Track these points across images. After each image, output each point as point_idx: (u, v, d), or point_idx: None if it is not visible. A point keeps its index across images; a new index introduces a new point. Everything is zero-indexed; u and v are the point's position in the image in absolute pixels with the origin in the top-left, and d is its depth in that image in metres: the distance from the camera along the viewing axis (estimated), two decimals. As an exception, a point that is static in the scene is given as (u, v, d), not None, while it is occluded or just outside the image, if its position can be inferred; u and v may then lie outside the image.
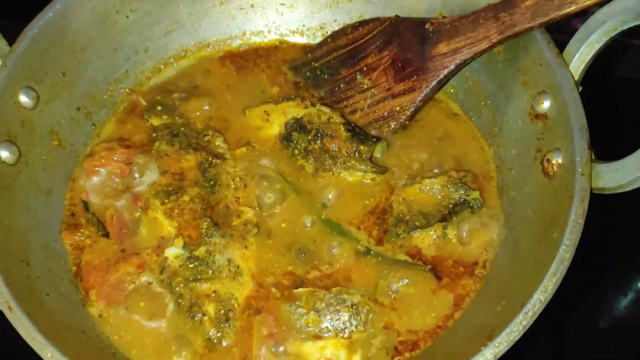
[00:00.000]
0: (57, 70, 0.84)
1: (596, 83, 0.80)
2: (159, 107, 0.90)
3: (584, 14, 0.74)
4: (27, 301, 0.65)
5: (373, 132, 0.88)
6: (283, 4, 0.99)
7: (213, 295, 0.73)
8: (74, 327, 0.70)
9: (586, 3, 0.72)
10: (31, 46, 0.80)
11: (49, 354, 0.61)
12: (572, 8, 0.72)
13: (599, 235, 0.99)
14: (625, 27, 0.72)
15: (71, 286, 0.75)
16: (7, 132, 0.76)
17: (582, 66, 0.76)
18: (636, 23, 0.71)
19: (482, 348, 0.60)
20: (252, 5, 0.98)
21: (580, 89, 0.75)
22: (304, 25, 1.00)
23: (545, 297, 0.62)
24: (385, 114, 0.87)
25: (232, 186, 0.82)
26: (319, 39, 0.99)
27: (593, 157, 0.71)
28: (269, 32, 1.00)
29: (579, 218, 0.66)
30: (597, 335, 1.00)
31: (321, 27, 0.99)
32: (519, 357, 0.94)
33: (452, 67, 0.81)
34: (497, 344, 0.60)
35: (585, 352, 0.98)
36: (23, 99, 0.79)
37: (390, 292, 0.75)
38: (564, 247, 0.64)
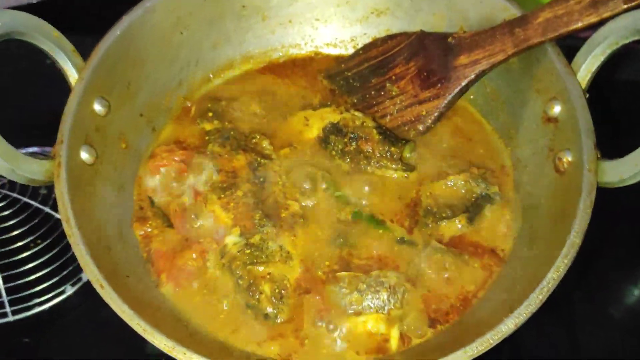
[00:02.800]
0: (123, 82, 0.94)
1: (602, 87, 0.89)
2: (210, 114, 1.01)
3: (590, 28, 0.84)
4: (113, 280, 0.76)
5: (402, 135, 0.98)
6: (318, 20, 1.09)
7: (268, 276, 0.83)
8: (152, 304, 0.81)
9: (590, 21, 0.82)
10: (102, 61, 0.89)
11: (137, 323, 0.71)
12: (579, 25, 0.83)
13: (608, 227, 1.08)
14: (625, 42, 0.82)
15: (145, 270, 0.86)
16: (85, 136, 0.86)
17: (589, 76, 0.86)
18: (634, 38, 0.81)
19: (504, 318, 0.71)
20: (290, 21, 1.09)
21: (587, 95, 0.85)
22: (336, 38, 1.10)
23: (558, 275, 0.72)
24: (413, 118, 0.97)
25: (280, 183, 0.93)
26: (350, 50, 1.10)
27: (599, 156, 0.81)
28: (305, 44, 1.11)
29: (587, 209, 0.76)
30: (609, 324, 1.07)
31: (352, 40, 1.10)
32: (533, 347, 1.04)
33: (473, 76, 0.92)
34: (517, 315, 0.70)
35: (596, 341, 1.05)
36: (97, 107, 0.89)
37: (422, 274, 0.85)
38: (574, 233, 0.74)
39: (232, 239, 0.86)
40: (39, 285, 1.03)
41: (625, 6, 0.80)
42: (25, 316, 1.02)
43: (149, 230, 0.89)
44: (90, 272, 0.74)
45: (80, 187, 0.83)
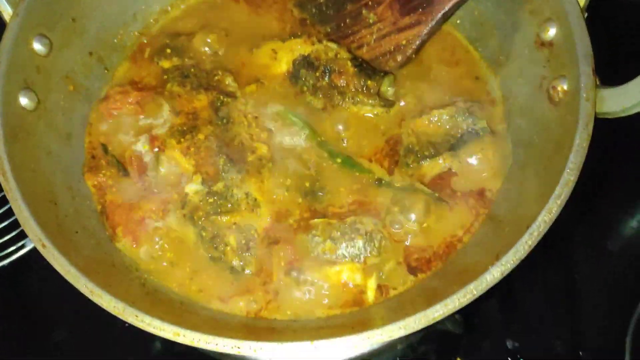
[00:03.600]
0: (67, 17, 0.85)
1: (601, 6, 0.80)
2: (168, 50, 0.91)
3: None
4: (58, 239, 0.69)
5: (380, 67, 0.89)
6: (288, -62, 0.98)
7: (233, 227, 0.77)
8: (104, 261, 0.74)
9: None
10: (40, -7, 0.80)
11: (84, 285, 0.65)
12: None
13: (604, 158, 1.02)
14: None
15: (98, 224, 0.79)
16: (24, 79, 0.78)
17: (588, -7, 0.76)
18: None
19: (489, 267, 0.64)
20: (256, -59, 0.98)
21: (586, 15, 0.76)
22: (308, -43, 0.99)
23: (550, 217, 0.65)
24: (392, 47, 0.88)
25: (245, 123, 0.84)
26: (323, -29, 0.99)
27: (598, 83, 0.72)
28: (274, -33, 1.00)
29: (584, 142, 0.68)
30: (606, 257, 1.03)
31: (326, -39, 0.99)
32: (529, 280, 1.00)
33: (458, -1, 0.82)
34: (504, 262, 0.63)
35: (593, 274, 1.01)
36: (37, 46, 0.80)
37: (402, 218, 0.78)
38: (568, 170, 0.67)
39: (193, 187, 0.79)
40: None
41: None
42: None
43: (103, 180, 0.82)
44: (30, 230, 0.67)
45: (19, 136, 0.75)
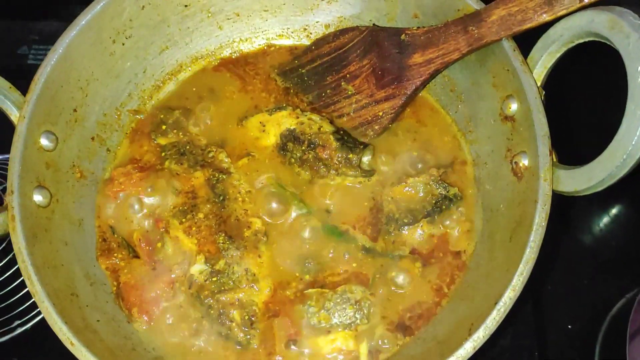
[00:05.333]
0: (68, 108, 0.91)
1: (561, 85, 0.87)
2: (164, 127, 0.98)
3: (544, 27, 0.81)
4: (83, 332, 0.77)
5: (359, 135, 0.96)
6: (266, 10, 1.04)
7: (237, 303, 0.85)
8: (125, 346, 0.83)
9: (545, 19, 0.79)
10: (43, 92, 0.86)
11: (111, 377, 0.74)
12: (533, 23, 0.79)
13: None
14: (580, 41, 0.79)
15: (115, 306, 0.87)
16: (36, 178, 0.84)
17: (545, 72, 0.84)
18: (589, 39, 0.78)
19: (463, 342, 0.73)
20: (237, 15, 1.03)
21: (544, 93, 0.83)
22: (288, 28, 1.06)
23: (514, 294, 0.74)
24: (370, 118, 0.95)
25: (240, 199, 0.92)
26: (304, 40, 1.05)
27: (555, 160, 0.80)
28: (256, 37, 1.06)
29: (542, 221, 0.76)
30: (576, 265, 1.11)
31: (305, 29, 1.05)
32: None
33: (427, 76, 0.89)
34: (475, 339, 0.73)
35: (562, 283, 1.09)
36: (44, 142, 0.87)
37: (386, 284, 0.87)
38: (529, 248, 0.75)
39: (197, 268, 0.87)
40: (18, 307, 1.04)
41: (581, 4, 0.76)
42: (9, 338, 1.04)
43: (116, 262, 0.90)
44: (59, 330, 0.75)
45: (37, 235, 0.82)
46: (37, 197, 0.85)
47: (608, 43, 0.74)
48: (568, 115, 1.01)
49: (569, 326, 1.10)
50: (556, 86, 0.85)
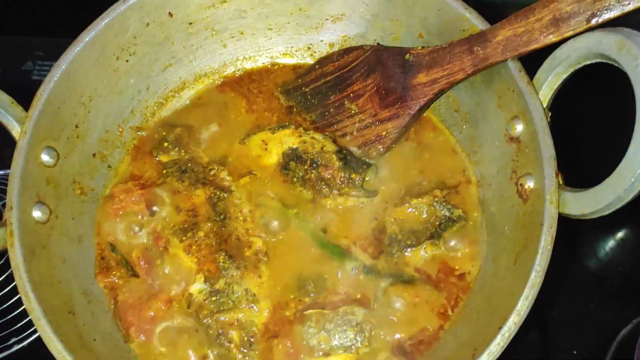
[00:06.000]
0: (70, 124, 0.90)
1: (568, 107, 0.86)
2: (166, 144, 0.98)
3: (550, 48, 0.80)
4: (79, 350, 0.76)
5: (362, 155, 0.95)
6: (271, 29, 1.04)
7: (236, 323, 0.84)
8: (122, 365, 0.82)
9: (551, 40, 0.78)
10: (45, 108, 0.85)
11: (106, 399, 0.73)
12: (539, 44, 0.79)
13: None
14: (586, 62, 0.78)
15: (112, 325, 0.86)
16: (36, 193, 0.84)
17: (551, 93, 0.83)
18: (597, 60, 0.77)
19: (467, 367, 0.72)
20: (241, 33, 1.03)
21: (550, 114, 0.82)
22: (292, 46, 1.05)
23: (519, 319, 0.73)
24: (373, 138, 0.95)
25: (241, 218, 0.91)
26: (307, 59, 1.05)
27: (561, 182, 0.79)
28: (260, 56, 1.06)
29: (548, 245, 0.75)
30: (582, 291, 1.10)
31: (309, 48, 1.05)
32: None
33: (431, 96, 0.88)
34: (479, 365, 0.72)
35: (569, 308, 1.08)
36: (45, 158, 0.86)
37: (388, 307, 0.86)
38: (535, 272, 0.74)
39: (197, 287, 0.86)
40: (15, 324, 1.03)
41: (588, 25, 0.75)
42: (6, 355, 1.03)
43: (114, 280, 0.88)
44: (55, 349, 0.74)
45: (35, 252, 0.81)
46: (37, 213, 0.84)
47: (616, 65, 0.73)
48: (575, 138, 1.01)
49: (575, 352, 1.08)
50: (563, 108, 0.84)
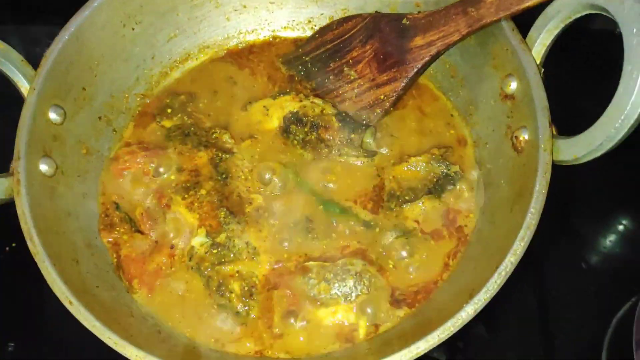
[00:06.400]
0: (78, 86, 0.93)
1: (559, 63, 0.89)
2: (169, 110, 1.00)
3: (542, 5, 0.83)
4: (82, 295, 0.77)
5: (362, 119, 0.98)
6: (273, 3, 1.07)
7: (237, 275, 0.85)
8: (123, 312, 0.82)
9: (542, -2, 0.81)
10: (53, 68, 0.88)
11: (108, 337, 0.73)
12: (530, 2, 0.82)
13: (581, 174, 1.10)
14: (577, 16, 0.81)
15: (115, 277, 0.87)
16: (43, 148, 0.86)
17: (543, 50, 0.86)
18: (587, 12, 0.80)
19: (464, 305, 0.72)
20: (244, 6, 1.07)
21: (542, 70, 0.85)
22: (293, 20, 1.09)
23: (515, 258, 0.74)
24: (372, 102, 0.97)
25: (242, 177, 0.93)
26: (308, 32, 1.08)
27: (554, 133, 0.81)
28: (262, 29, 1.09)
29: (542, 188, 0.77)
30: (581, 274, 1.09)
31: (309, 21, 1.08)
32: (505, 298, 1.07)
33: (428, 58, 0.91)
34: (476, 301, 0.72)
35: (569, 291, 1.07)
36: (52, 116, 0.89)
37: (389, 258, 0.87)
38: (530, 214, 0.76)
39: (198, 240, 0.87)
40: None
41: (577, -20, 0.79)
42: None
43: (117, 236, 0.90)
44: (58, 290, 0.75)
45: (42, 202, 0.83)
46: (43, 167, 0.86)
47: (604, 13, 0.76)
48: (567, 94, 1.03)
49: (575, 332, 1.09)
50: (555, 65, 0.87)
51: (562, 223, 1.12)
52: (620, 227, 1.19)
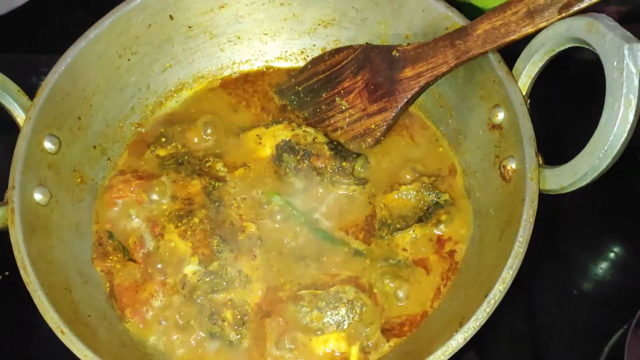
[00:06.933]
0: (73, 116, 0.94)
1: (545, 94, 0.92)
2: (164, 139, 1.02)
3: (528, 38, 0.86)
4: (74, 324, 0.77)
5: (353, 148, 0.99)
6: (266, 34, 1.10)
7: (229, 303, 0.86)
8: (115, 341, 0.83)
9: (527, 31, 0.84)
10: (49, 98, 0.89)
11: (100, 367, 0.73)
12: (516, 35, 0.84)
13: (572, 201, 1.11)
14: (561, 48, 0.84)
15: (107, 305, 0.88)
16: (37, 177, 0.87)
17: (529, 81, 0.87)
18: (570, 45, 0.82)
19: (454, 333, 0.73)
20: (238, 38, 1.09)
21: (529, 101, 0.87)
22: (286, 51, 1.11)
23: (504, 287, 0.75)
24: (362, 131, 0.99)
25: (235, 205, 0.94)
26: (301, 63, 1.10)
27: (541, 162, 0.83)
28: (255, 59, 1.11)
29: (530, 217, 0.78)
30: (573, 300, 1.10)
31: (302, 52, 1.11)
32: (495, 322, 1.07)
33: (417, 89, 0.93)
34: (466, 330, 0.73)
35: (560, 317, 1.07)
36: (48, 145, 0.90)
37: (380, 287, 0.88)
38: (518, 243, 0.77)
39: (191, 269, 0.88)
40: None
41: (560, 16, 0.81)
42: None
43: (111, 265, 0.90)
44: (50, 319, 0.76)
45: (35, 231, 0.84)
46: (38, 196, 0.87)
47: (586, 46, 0.78)
48: (553, 124, 1.05)
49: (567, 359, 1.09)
50: (540, 96, 0.89)
51: (552, 250, 1.13)
52: (611, 254, 1.21)
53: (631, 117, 0.72)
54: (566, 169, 0.79)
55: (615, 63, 0.73)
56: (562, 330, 1.09)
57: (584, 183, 0.77)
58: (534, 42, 0.86)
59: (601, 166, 0.75)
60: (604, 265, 1.19)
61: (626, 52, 0.71)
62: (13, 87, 0.90)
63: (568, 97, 1.19)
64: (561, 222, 1.14)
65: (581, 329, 1.09)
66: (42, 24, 1.46)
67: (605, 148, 0.73)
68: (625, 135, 0.72)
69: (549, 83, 0.91)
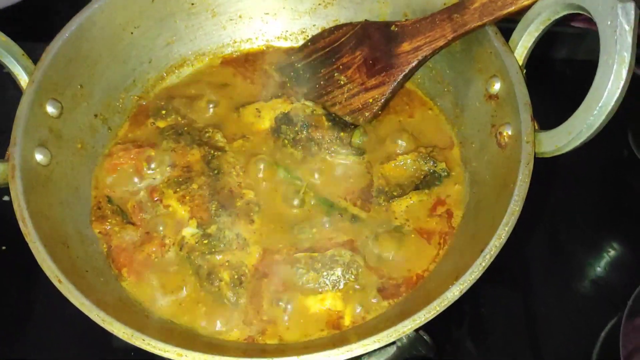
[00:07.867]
0: (75, 83, 0.96)
1: (538, 65, 0.93)
2: (163, 112, 1.03)
3: (524, 11, 0.88)
4: (71, 275, 0.77)
5: (351, 122, 1.01)
6: (267, 14, 1.12)
7: (226, 264, 0.86)
8: (112, 295, 0.83)
9: (523, 3, 0.86)
10: (53, 63, 0.91)
11: (96, 314, 0.73)
12: (512, 8, 0.86)
13: (573, 200, 1.12)
14: (557, 17, 0.86)
15: (105, 265, 0.88)
16: (39, 138, 0.88)
17: (525, 52, 0.89)
18: (565, 12, 0.84)
19: (450, 286, 0.74)
20: (240, 16, 1.11)
21: (524, 71, 0.89)
22: (286, 31, 1.13)
23: (500, 242, 0.75)
24: (361, 105, 1.00)
25: (234, 173, 0.95)
26: (301, 42, 1.12)
27: (536, 127, 0.84)
28: (256, 39, 1.13)
29: (526, 177, 0.79)
30: (570, 298, 1.11)
31: (302, 32, 1.13)
32: (490, 318, 1.08)
33: (415, 62, 0.95)
34: (461, 282, 0.73)
35: (558, 314, 1.08)
36: (50, 109, 0.91)
37: (377, 250, 0.88)
38: (514, 201, 0.78)
39: (189, 231, 0.89)
40: None
41: (555, -15, 0.83)
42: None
43: (109, 227, 0.91)
44: (48, 268, 0.76)
45: (35, 188, 0.84)
46: (39, 156, 0.87)
47: (581, 11, 0.80)
48: (549, 90, 1.07)
49: (564, 347, 1.09)
50: (536, 67, 0.91)
51: (549, 243, 1.14)
52: (609, 250, 1.21)
53: (624, 73, 0.73)
54: (561, 129, 0.80)
55: (609, 22, 0.74)
56: (559, 320, 1.10)
57: (579, 142, 0.78)
58: (530, 12, 0.88)
59: (595, 123, 0.76)
60: (601, 261, 1.19)
61: (619, 11, 0.73)
62: (17, 50, 0.91)
63: (565, 71, 1.21)
64: (561, 220, 1.15)
65: (577, 319, 1.10)
66: (46, 14, 1.48)
67: (600, 105, 0.74)
68: (619, 91, 0.74)
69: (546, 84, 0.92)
